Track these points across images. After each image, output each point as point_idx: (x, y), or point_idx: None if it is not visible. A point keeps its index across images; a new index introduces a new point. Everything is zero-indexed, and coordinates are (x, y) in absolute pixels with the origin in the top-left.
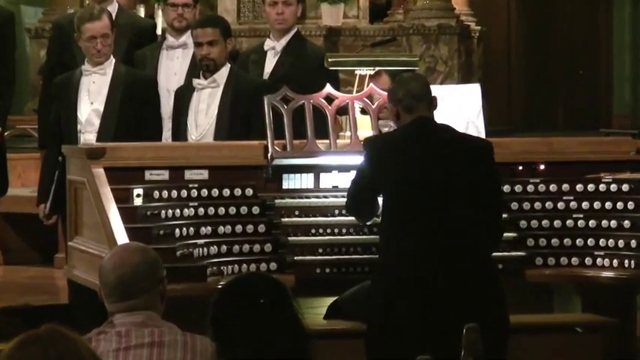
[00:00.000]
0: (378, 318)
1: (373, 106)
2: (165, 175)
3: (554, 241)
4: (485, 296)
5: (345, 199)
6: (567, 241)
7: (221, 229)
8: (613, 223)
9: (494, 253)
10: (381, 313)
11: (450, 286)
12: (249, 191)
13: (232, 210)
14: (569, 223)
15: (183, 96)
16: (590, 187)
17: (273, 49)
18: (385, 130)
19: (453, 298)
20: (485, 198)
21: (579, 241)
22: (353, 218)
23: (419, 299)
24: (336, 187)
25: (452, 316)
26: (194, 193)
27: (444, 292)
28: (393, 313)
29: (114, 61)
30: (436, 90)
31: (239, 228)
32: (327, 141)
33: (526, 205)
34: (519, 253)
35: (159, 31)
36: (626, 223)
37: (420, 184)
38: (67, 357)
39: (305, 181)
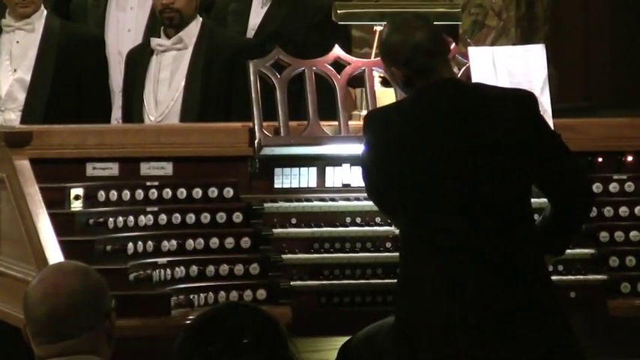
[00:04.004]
0: None
1: None
2: (114, 169)
3: None
4: (546, 344)
5: (358, 202)
6: None
7: (190, 244)
8: None
9: (564, 277)
10: None
11: (488, 336)
12: (229, 191)
13: (205, 217)
14: None
15: (138, 61)
16: None
17: None
18: None
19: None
20: (549, 169)
21: None
22: (370, 228)
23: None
24: (348, 185)
25: None
26: (153, 194)
27: (478, 344)
28: None
29: (45, 12)
30: (484, 52)
31: (215, 242)
32: (336, 123)
33: (608, 211)
34: (599, 277)
35: None
36: None
37: (447, 182)
38: None
39: (305, 177)
